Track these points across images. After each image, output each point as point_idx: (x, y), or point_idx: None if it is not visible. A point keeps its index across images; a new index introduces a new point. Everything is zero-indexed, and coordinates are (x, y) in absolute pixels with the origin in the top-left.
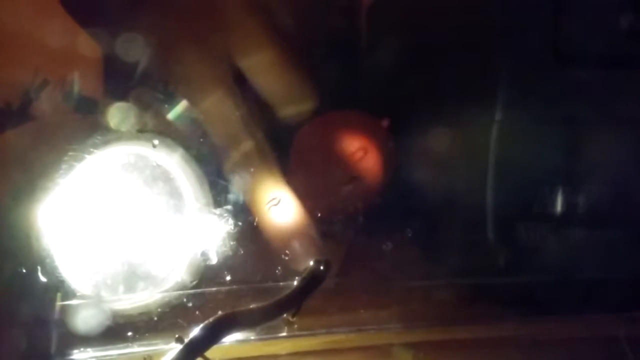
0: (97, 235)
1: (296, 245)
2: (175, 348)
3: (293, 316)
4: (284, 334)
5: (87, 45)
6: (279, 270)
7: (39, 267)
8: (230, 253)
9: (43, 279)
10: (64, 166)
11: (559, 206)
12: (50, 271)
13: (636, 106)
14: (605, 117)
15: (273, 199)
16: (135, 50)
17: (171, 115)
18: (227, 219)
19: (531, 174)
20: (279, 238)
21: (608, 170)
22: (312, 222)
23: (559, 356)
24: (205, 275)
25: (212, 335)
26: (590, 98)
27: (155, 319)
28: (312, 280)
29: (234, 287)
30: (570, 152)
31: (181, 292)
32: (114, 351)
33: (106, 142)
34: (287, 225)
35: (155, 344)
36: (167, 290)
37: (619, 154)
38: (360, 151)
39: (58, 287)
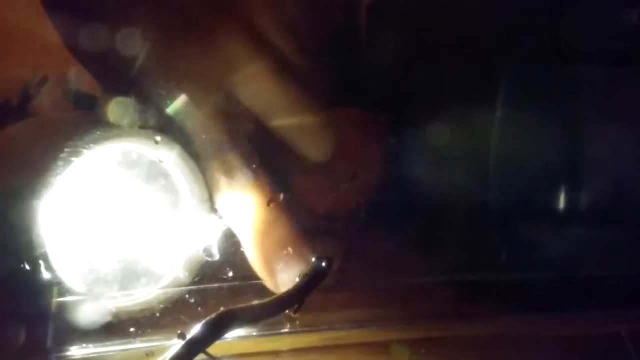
0: (96, 231)
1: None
2: (177, 344)
3: (295, 313)
4: (286, 330)
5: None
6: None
7: (37, 263)
8: (233, 249)
9: (41, 275)
10: (63, 163)
11: (560, 203)
12: (48, 267)
13: (637, 103)
14: (606, 114)
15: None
16: (135, 45)
17: (170, 111)
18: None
19: (532, 171)
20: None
21: (609, 167)
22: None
23: (560, 353)
24: (208, 271)
25: (214, 332)
26: (592, 95)
27: (157, 315)
28: (314, 278)
29: (236, 283)
30: (571, 149)
31: (183, 288)
32: (115, 347)
33: (106, 139)
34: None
35: (157, 340)
36: (168, 287)
37: (620, 151)
38: (361, 148)
39: (56, 283)
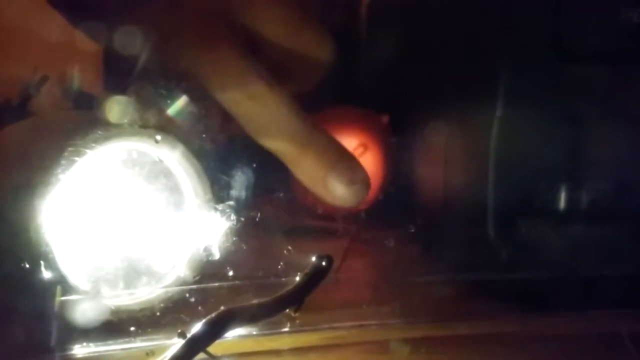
0: (98, 230)
1: None
2: (178, 343)
3: (295, 312)
4: (286, 329)
5: (86, 40)
6: (281, 265)
7: (39, 262)
8: (233, 248)
9: (43, 273)
10: (64, 161)
11: (560, 202)
12: (50, 266)
13: (637, 102)
14: (606, 113)
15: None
16: (136, 44)
17: (172, 110)
18: (230, 215)
19: (532, 170)
20: None
21: (609, 166)
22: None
23: (560, 353)
24: (208, 270)
25: (215, 331)
26: (592, 94)
27: (158, 314)
28: (315, 276)
29: (237, 282)
30: (571, 148)
31: (183, 287)
32: (116, 346)
33: (107, 138)
34: None
35: (158, 339)
36: (169, 286)
37: (620, 150)
38: (361, 147)
39: (58, 282)
